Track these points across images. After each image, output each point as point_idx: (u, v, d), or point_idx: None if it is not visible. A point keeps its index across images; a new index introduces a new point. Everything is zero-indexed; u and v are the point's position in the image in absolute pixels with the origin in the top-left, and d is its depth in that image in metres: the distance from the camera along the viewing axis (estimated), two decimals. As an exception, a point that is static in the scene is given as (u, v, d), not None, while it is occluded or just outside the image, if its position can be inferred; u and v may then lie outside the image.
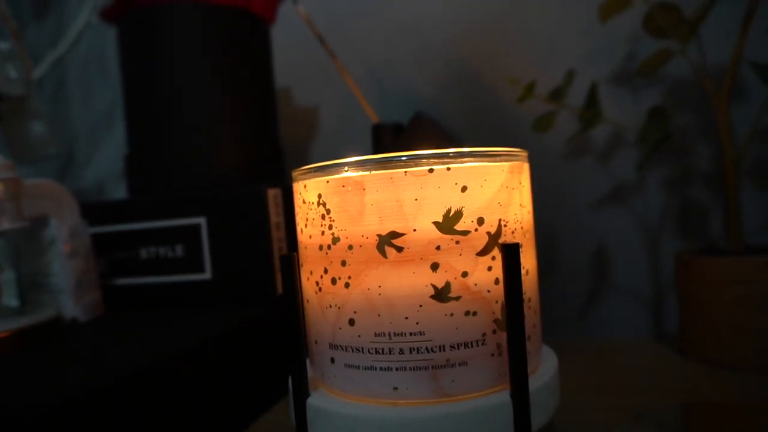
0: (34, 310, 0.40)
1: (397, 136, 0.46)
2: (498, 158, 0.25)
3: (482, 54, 0.58)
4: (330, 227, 0.25)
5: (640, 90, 0.53)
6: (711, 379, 0.38)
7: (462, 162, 0.24)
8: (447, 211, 0.24)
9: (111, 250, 0.47)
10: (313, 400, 0.26)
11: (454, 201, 0.24)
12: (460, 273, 0.24)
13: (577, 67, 0.50)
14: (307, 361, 0.28)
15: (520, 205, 0.26)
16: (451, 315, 0.24)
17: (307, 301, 0.27)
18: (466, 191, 0.24)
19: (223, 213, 0.44)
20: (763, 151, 0.50)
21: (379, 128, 0.47)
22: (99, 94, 0.73)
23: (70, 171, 0.74)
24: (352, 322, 0.25)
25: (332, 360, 0.26)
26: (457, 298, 0.24)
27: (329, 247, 0.25)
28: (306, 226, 0.27)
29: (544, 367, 0.27)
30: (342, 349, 0.26)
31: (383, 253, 0.24)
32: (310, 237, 0.26)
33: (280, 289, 0.44)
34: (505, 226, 0.25)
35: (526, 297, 0.26)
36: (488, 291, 0.24)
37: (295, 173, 0.28)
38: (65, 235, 0.42)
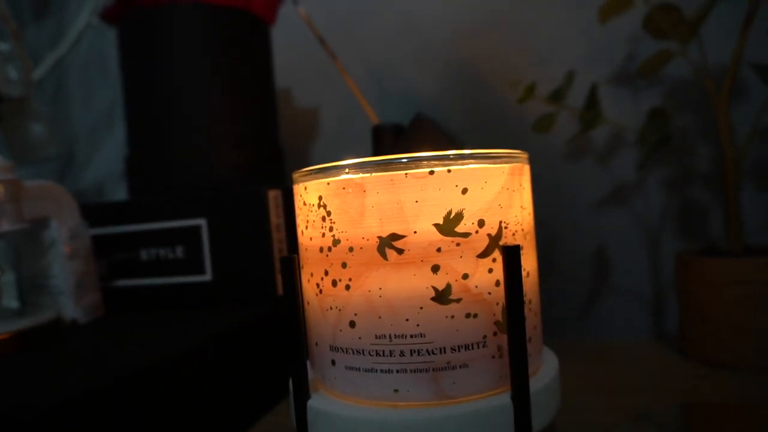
0: (34, 312, 0.40)
1: (397, 137, 0.46)
2: (499, 160, 0.25)
3: (482, 55, 0.58)
4: (330, 229, 0.25)
5: (640, 91, 0.53)
6: (711, 380, 0.38)
7: (463, 164, 0.24)
8: (447, 213, 0.24)
9: (111, 252, 0.47)
10: (314, 402, 0.26)
11: (455, 203, 0.24)
12: (461, 275, 0.24)
13: (578, 68, 0.50)
14: (308, 363, 0.28)
15: (521, 206, 0.26)
16: (452, 317, 0.24)
17: (308, 303, 0.27)
18: (467, 193, 0.24)
19: (224, 214, 0.44)
20: (763, 152, 0.50)
21: (380, 129, 0.47)
22: (99, 95, 0.73)
23: (70, 172, 0.74)
24: (352, 324, 0.25)
25: (333, 362, 0.26)
26: (458, 300, 0.24)
27: (330, 249, 0.25)
28: (306, 227, 0.27)
29: (544, 369, 0.27)
30: (342, 351, 0.26)
31: (384, 255, 0.24)
32: (311, 239, 0.26)
33: (280, 291, 0.44)
34: (505, 228, 0.25)
35: (526, 299, 0.26)
36: (489, 293, 0.24)
37: (295, 175, 0.28)
38: (65, 236, 0.42)
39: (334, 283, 0.25)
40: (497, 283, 0.25)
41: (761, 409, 0.33)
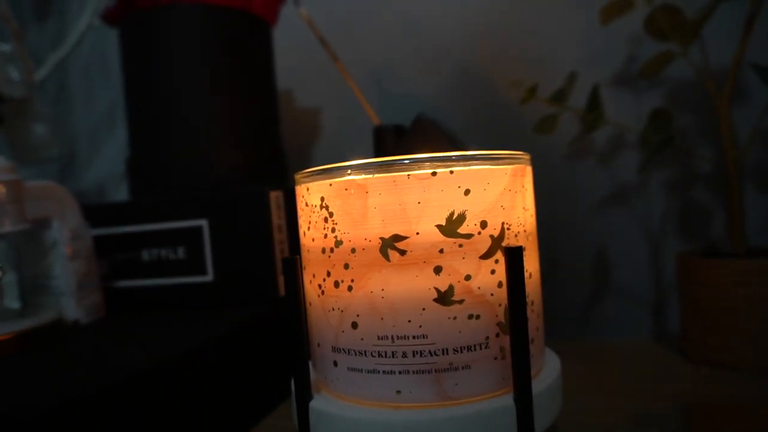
0: (35, 312, 0.40)
1: (398, 138, 0.46)
2: (501, 161, 0.25)
3: (484, 56, 0.58)
4: (333, 230, 0.25)
5: (641, 92, 0.53)
6: (712, 380, 0.38)
7: (465, 165, 0.24)
8: (450, 214, 0.24)
9: (112, 252, 0.47)
10: (316, 404, 0.26)
11: (457, 204, 0.24)
12: (463, 276, 0.24)
13: (579, 69, 0.50)
14: (310, 364, 0.28)
15: (523, 208, 0.26)
16: (454, 318, 0.24)
17: (310, 304, 0.27)
18: (469, 194, 0.24)
19: (225, 215, 0.44)
20: (765, 153, 0.50)
21: (381, 130, 0.47)
22: (100, 96, 0.73)
23: (71, 172, 0.74)
24: (354, 325, 0.25)
25: (335, 363, 0.26)
26: (461, 302, 0.24)
27: (332, 250, 0.25)
28: (309, 228, 0.27)
29: (547, 370, 0.27)
30: (345, 352, 0.25)
31: (386, 257, 0.24)
32: (313, 240, 0.26)
33: (281, 292, 0.44)
34: (508, 229, 0.25)
35: (529, 300, 0.26)
36: (491, 294, 0.24)
37: (297, 176, 0.28)
38: (67, 237, 0.42)
39: (337, 284, 0.25)
40: (500, 285, 0.25)
41: (761, 409, 0.33)
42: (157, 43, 0.51)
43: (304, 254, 0.27)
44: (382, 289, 0.24)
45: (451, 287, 0.24)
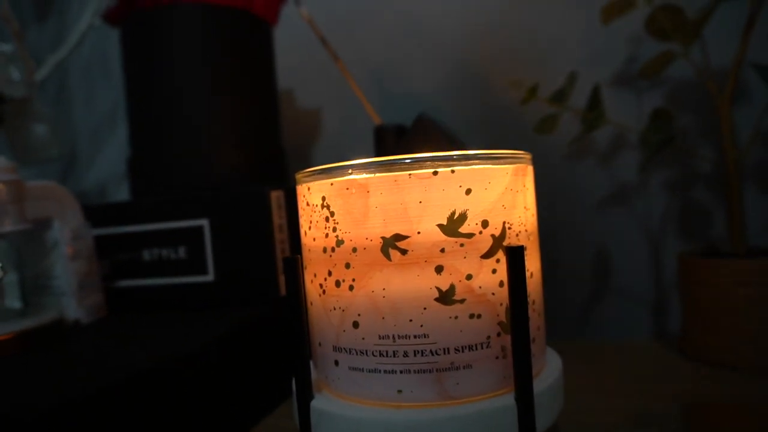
0: (36, 312, 0.40)
1: (399, 137, 0.46)
2: (502, 161, 0.25)
3: (485, 56, 0.58)
4: (334, 230, 0.25)
5: (642, 92, 0.53)
6: (712, 380, 0.38)
7: (466, 164, 0.24)
8: (451, 213, 0.24)
9: (114, 252, 0.47)
10: (317, 403, 0.26)
11: (459, 203, 0.24)
12: (465, 276, 0.24)
13: (580, 69, 0.50)
14: (311, 363, 0.28)
15: (525, 207, 0.26)
16: (456, 318, 0.24)
17: (311, 304, 0.27)
18: (471, 194, 0.24)
19: (226, 215, 0.44)
20: (766, 153, 0.50)
21: (382, 130, 0.47)
22: (101, 96, 0.73)
23: (72, 173, 0.74)
24: (356, 324, 0.25)
25: (336, 362, 0.26)
26: (462, 301, 0.24)
27: (333, 249, 0.25)
28: (310, 228, 0.27)
29: (548, 370, 0.27)
30: (346, 351, 0.26)
31: (387, 256, 0.24)
32: (314, 239, 0.26)
33: (283, 291, 0.44)
34: (509, 228, 0.25)
35: (530, 299, 0.26)
36: (493, 294, 0.24)
37: (298, 175, 0.28)
38: (68, 237, 0.42)
39: (338, 284, 0.25)
40: (501, 284, 0.25)
41: (761, 409, 0.33)
42: (158, 43, 0.51)
43: (305, 254, 0.27)
44: (384, 289, 0.24)
45: (452, 287, 0.24)
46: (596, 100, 0.47)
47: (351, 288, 0.25)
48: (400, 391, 0.25)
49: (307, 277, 0.27)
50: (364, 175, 0.24)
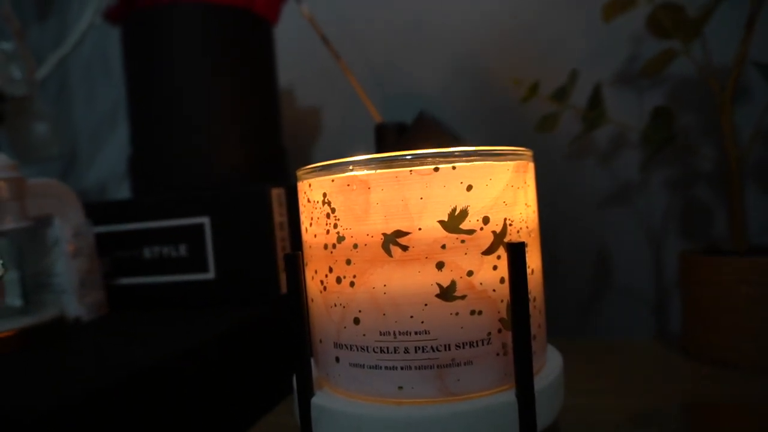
0: (37, 310, 0.40)
1: (400, 135, 0.46)
2: (503, 157, 0.25)
3: (486, 54, 0.58)
4: (335, 226, 0.25)
5: (643, 90, 0.53)
6: (713, 379, 0.38)
7: (467, 161, 0.24)
8: (452, 209, 0.24)
9: (114, 250, 0.47)
10: (318, 400, 0.26)
11: (460, 200, 0.24)
12: (466, 272, 0.24)
13: (581, 67, 0.50)
14: (312, 360, 0.28)
15: (526, 204, 0.26)
16: (457, 314, 0.24)
17: (312, 300, 0.27)
18: (472, 190, 0.24)
19: (227, 212, 0.44)
20: (767, 152, 0.50)
21: (383, 128, 0.47)
22: (102, 94, 0.73)
23: (72, 171, 0.74)
24: (357, 321, 0.25)
25: (337, 359, 0.26)
26: (463, 297, 0.24)
27: (334, 246, 0.25)
28: (311, 225, 0.27)
29: (548, 367, 0.27)
30: (347, 348, 0.25)
31: (388, 252, 0.24)
32: (315, 236, 0.26)
33: (283, 289, 0.44)
34: (510, 225, 0.25)
35: (531, 296, 0.26)
36: (494, 290, 0.24)
37: (299, 172, 0.28)
38: (69, 234, 0.42)
39: (339, 280, 0.25)
40: (502, 281, 0.24)
41: (762, 409, 0.33)
42: (158, 42, 0.51)
43: (306, 250, 0.27)
44: (385, 285, 0.24)
45: (453, 283, 0.24)
46: (597, 98, 0.47)
47: (352, 284, 0.25)
48: (401, 388, 0.25)
49: (308, 273, 0.27)
50: (365, 172, 0.24)
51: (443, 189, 0.24)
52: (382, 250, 0.24)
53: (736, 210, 0.42)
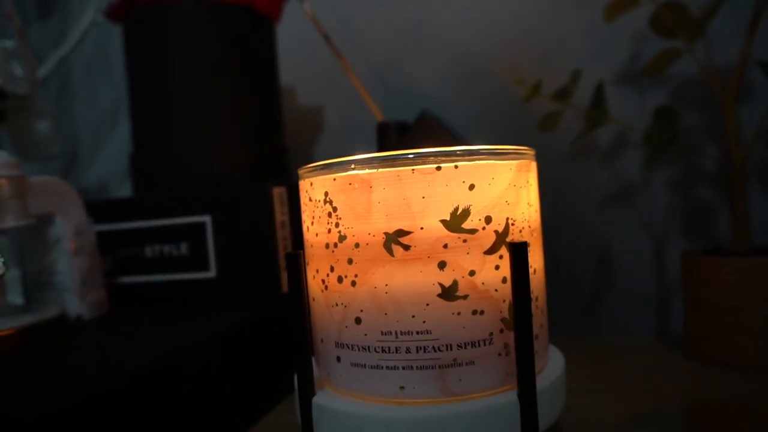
0: (38, 308, 0.40)
1: (402, 134, 0.46)
2: (506, 156, 0.25)
3: (488, 53, 0.58)
4: (336, 225, 0.25)
5: (645, 90, 0.53)
6: (715, 380, 0.37)
7: (470, 160, 0.24)
8: (454, 209, 0.24)
9: (116, 248, 0.47)
10: (319, 399, 0.26)
11: (462, 199, 0.24)
12: (468, 272, 0.24)
13: (583, 67, 0.50)
14: (313, 360, 0.28)
15: (528, 203, 0.26)
16: (458, 314, 0.24)
17: (313, 300, 0.27)
18: (474, 189, 0.24)
19: (228, 211, 0.44)
20: (770, 152, 0.50)
21: (384, 127, 0.47)
22: (103, 93, 0.73)
23: (74, 170, 0.74)
24: (358, 320, 0.25)
25: (338, 359, 0.26)
26: (465, 297, 0.24)
27: (336, 245, 0.25)
28: (312, 223, 0.27)
29: (550, 367, 0.27)
30: (348, 347, 0.25)
31: (390, 252, 0.24)
32: (317, 235, 0.26)
33: (285, 288, 0.43)
34: (512, 224, 0.25)
35: (533, 296, 0.26)
36: (496, 290, 0.24)
37: (301, 171, 0.27)
38: (70, 232, 0.42)
39: (340, 280, 0.25)
40: (504, 280, 0.24)
41: (763, 409, 0.33)
42: (159, 40, 0.51)
43: (308, 249, 0.27)
44: (386, 285, 0.24)
45: (455, 282, 0.24)
46: (600, 97, 0.47)
47: (353, 284, 0.25)
48: (402, 388, 0.24)
49: (309, 273, 0.27)
50: (367, 171, 0.24)
51: (445, 188, 0.24)
52: (383, 250, 0.24)
53: (739, 210, 0.42)
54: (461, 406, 0.24)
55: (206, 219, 0.45)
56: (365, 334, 0.25)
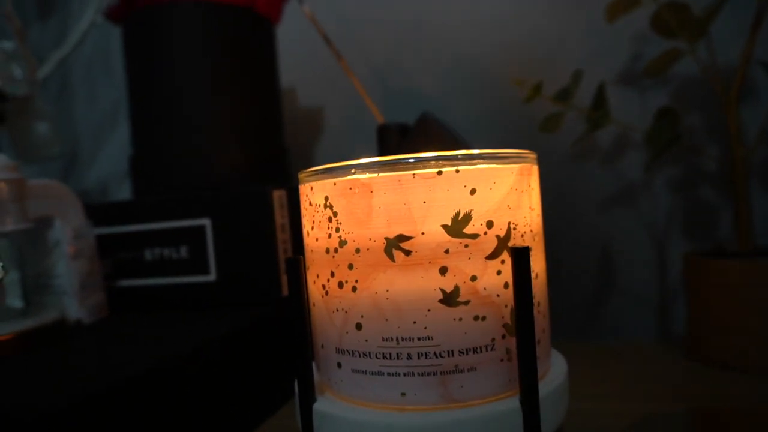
0: (38, 312, 0.40)
1: (402, 136, 0.46)
2: (507, 160, 0.25)
3: (488, 54, 0.57)
4: (337, 230, 0.25)
5: (647, 90, 0.53)
6: (719, 383, 0.37)
7: (471, 164, 0.24)
8: (456, 214, 0.24)
9: (115, 252, 0.47)
10: (320, 405, 0.26)
11: (463, 204, 0.24)
12: (469, 277, 0.24)
13: (584, 68, 0.50)
14: (313, 365, 0.28)
15: (530, 207, 0.26)
16: (460, 320, 0.24)
17: (314, 305, 0.27)
18: (475, 194, 0.24)
19: (228, 214, 0.44)
20: (773, 152, 0.50)
21: (385, 129, 0.47)
22: (103, 94, 0.73)
23: (73, 171, 0.74)
24: (359, 326, 0.25)
25: (339, 365, 0.26)
26: (466, 303, 0.24)
27: (336, 250, 0.25)
28: (312, 228, 0.26)
29: (553, 372, 0.27)
30: (349, 353, 0.25)
31: (391, 257, 0.24)
32: (317, 240, 0.26)
33: (285, 292, 0.43)
34: (514, 229, 0.25)
35: (535, 301, 0.25)
36: (497, 295, 0.24)
37: (301, 175, 0.27)
38: (70, 236, 0.42)
39: (341, 285, 0.25)
40: (506, 285, 0.24)
41: (766, 411, 0.33)
42: (159, 42, 0.50)
43: (308, 254, 0.27)
44: (387, 290, 0.24)
45: (456, 288, 0.24)
46: (601, 98, 0.47)
47: (354, 289, 0.25)
48: (403, 394, 0.24)
49: (310, 278, 0.27)
50: (368, 175, 0.24)
51: (446, 193, 0.24)
52: (384, 255, 0.24)
53: (742, 211, 0.42)
54: (463, 413, 0.23)
55: (206, 222, 0.44)
56: (366, 340, 0.25)
